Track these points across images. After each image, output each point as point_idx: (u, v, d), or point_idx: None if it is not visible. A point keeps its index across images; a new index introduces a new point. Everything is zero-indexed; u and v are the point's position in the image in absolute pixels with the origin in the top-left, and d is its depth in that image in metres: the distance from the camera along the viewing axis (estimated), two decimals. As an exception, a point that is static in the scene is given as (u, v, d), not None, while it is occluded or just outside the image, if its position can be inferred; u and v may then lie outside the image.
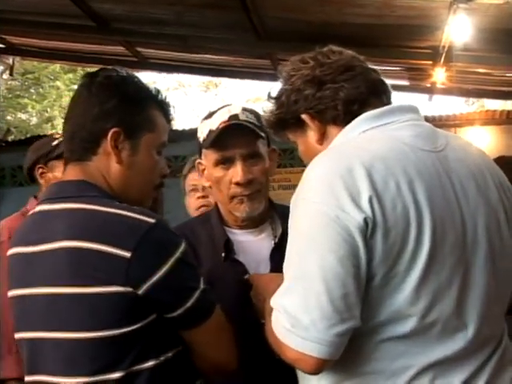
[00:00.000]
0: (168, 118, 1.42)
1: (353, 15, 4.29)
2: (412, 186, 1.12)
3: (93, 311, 1.19)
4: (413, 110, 1.27)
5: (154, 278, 1.18)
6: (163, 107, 1.40)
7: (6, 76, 9.15)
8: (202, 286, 1.26)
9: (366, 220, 1.07)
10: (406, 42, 4.86)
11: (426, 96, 6.39)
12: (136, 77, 1.40)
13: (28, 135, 9.91)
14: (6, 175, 6.78)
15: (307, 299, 1.07)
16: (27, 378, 1.31)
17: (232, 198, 1.60)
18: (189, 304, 1.23)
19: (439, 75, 5.35)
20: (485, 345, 1.19)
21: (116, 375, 1.19)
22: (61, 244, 1.22)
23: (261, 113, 1.66)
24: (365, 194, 1.08)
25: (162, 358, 1.23)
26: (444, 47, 4.71)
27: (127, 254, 1.17)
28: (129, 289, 1.17)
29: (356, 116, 1.24)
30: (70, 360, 1.21)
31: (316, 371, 1.10)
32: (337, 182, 1.10)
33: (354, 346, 1.11)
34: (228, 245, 1.61)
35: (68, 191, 1.30)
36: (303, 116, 1.28)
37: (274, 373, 1.42)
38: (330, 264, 1.07)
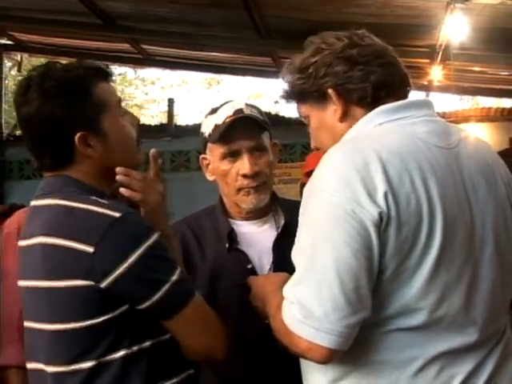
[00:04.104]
0: (106, 78, 1.36)
1: (353, 14, 4.29)
2: (426, 182, 1.11)
3: (62, 304, 1.23)
4: (428, 105, 1.27)
5: (117, 272, 1.19)
6: (96, 74, 1.34)
7: (14, 72, 9.23)
8: (174, 277, 1.24)
9: (380, 215, 1.07)
10: (405, 41, 4.83)
11: (422, 94, 6.44)
12: (54, 68, 1.31)
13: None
14: (13, 169, 6.74)
15: (320, 291, 1.07)
16: (27, 365, 1.37)
17: (239, 190, 1.62)
18: (157, 297, 1.22)
19: (436, 73, 5.38)
20: (490, 338, 1.20)
21: (88, 364, 1.22)
22: (37, 240, 1.27)
23: (263, 108, 1.70)
24: (381, 189, 1.08)
25: (134, 348, 1.23)
26: (441, 46, 4.74)
27: (90, 250, 1.19)
28: (91, 282, 1.19)
29: (381, 103, 1.23)
30: (50, 349, 1.27)
31: (326, 361, 1.11)
32: (353, 175, 1.09)
33: (361, 336, 1.11)
34: (231, 235, 1.64)
35: (51, 187, 1.32)
36: (329, 91, 1.24)
37: (278, 362, 1.44)
38: (344, 257, 1.07)
